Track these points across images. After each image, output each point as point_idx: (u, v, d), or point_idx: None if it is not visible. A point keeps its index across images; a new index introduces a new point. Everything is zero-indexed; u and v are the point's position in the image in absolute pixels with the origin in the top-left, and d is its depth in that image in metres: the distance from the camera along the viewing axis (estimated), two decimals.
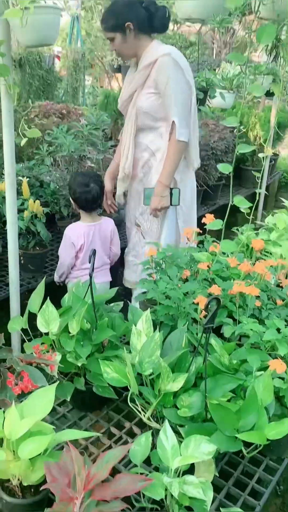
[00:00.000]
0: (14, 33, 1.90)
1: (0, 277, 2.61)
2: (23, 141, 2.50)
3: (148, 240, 2.44)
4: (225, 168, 1.47)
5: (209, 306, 1.31)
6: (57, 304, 1.74)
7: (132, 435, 1.62)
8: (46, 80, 5.29)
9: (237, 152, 1.46)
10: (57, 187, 2.97)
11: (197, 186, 3.87)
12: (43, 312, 1.61)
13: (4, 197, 2.49)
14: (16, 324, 1.79)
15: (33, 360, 1.39)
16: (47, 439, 1.15)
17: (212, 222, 1.56)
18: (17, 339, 2.27)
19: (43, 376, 1.36)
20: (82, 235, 2.27)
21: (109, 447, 1.54)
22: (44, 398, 1.26)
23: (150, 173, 2.40)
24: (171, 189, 2.33)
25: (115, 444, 1.56)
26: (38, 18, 1.81)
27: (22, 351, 2.01)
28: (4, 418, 1.22)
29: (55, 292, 2.47)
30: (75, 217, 3.11)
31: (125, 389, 1.70)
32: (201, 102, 3.22)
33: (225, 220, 1.50)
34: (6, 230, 2.14)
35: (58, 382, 1.34)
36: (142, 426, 1.64)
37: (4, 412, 1.28)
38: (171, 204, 2.35)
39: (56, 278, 2.44)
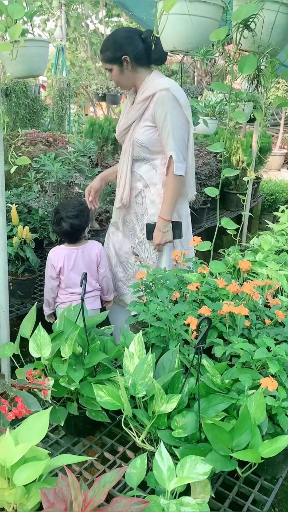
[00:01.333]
0: (3, 64, 1.96)
1: None
2: (13, 169, 2.54)
3: (150, 264, 2.44)
4: (212, 192, 1.51)
5: (200, 326, 1.33)
6: (47, 330, 1.74)
7: (126, 459, 1.61)
8: (32, 109, 5.38)
9: (223, 175, 1.51)
10: (46, 213, 3.00)
11: None
12: (35, 337, 1.61)
13: None
14: (7, 350, 1.78)
15: (26, 385, 1.39)
16: (43, 465, 1.15)
17: (201, 244, 1.60)
18: (7, 365, 2.25)
19: (37, 401, 1.35)
20: (63, 257, 2.29)
21: (103, 472, 1.53)
22: (38, 423, 1.25)
23: (144, 203, 2.40)
24: (173, 222, 2.33)
25: (109, 469, 1.54)
26: (27, 50, 1.87)
27: (13, 376, 2.00)
28: None
29: (45, 317, 2.48)
30: (64, 243, 3.13)
31: (119, 412, 1.70)
32: None
33: (213, 242, 1.54)
34: None
35: (51, 407, 1.33)
36: (136, 450, 1.64)
37: None
38: (174, 238, 2.35)
39: (46, 311, 2.42)
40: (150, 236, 2.37)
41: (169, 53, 2.02)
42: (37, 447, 1.21)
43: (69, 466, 1.32)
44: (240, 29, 1.29)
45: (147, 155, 2.32)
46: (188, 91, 5.43)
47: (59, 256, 2.30)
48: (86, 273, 1.64)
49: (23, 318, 2.66)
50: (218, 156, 4.62)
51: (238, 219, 4.96)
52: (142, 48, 2.19)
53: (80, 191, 3.25)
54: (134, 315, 2.09)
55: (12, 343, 1.81)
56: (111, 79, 2.37)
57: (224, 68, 11.08)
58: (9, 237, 2.49)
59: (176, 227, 2.34)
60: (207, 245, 1.52)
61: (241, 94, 4.07)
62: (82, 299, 1.59)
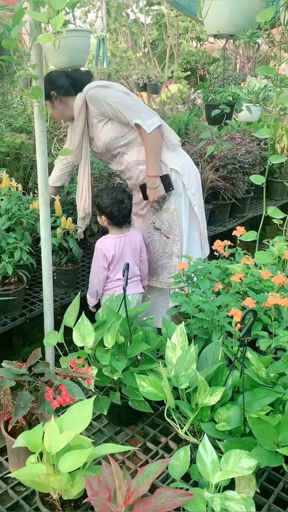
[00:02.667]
0: (46, 56, 1.97)
1: (34, 293, 2.65)
2: (57, 160, 2.56)
3: (172, 238, 2.52)
4: (258, 179, 1.46)
5: (245, 319, 1.30)
6: (89, 320, 1.76)
7: (168, 450, 1.60)
8: None
9: (270, 162, 1.45)
10: None
11: (225, 199, 3.90)
12: (78, 326, 1.63)
13: (37, 215, 2.56)
14: (51, 339, 1.82)
15: (71, 374, 1.40)
16: (87, 453, 1.16)
17: (246, 234, 1.55)
18: (51, 353, 2.29)
19: (81, 390, 1.36)
20: (113, 246, 2.31)
21: (146, 462, 1.53)
22: (82, 412, 1.26)
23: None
24: (161, 177, 2.40)
25: (151, 459, 1.55)
26: (69, 41, 1.87)
27: (56, 365, 2.04)
28: (44, 431, 1.23)
29: (87, 307, 2.50)
30: (105, 233, 3.15)
31: (161, 403, 1.70)
32: (227, 116, 3.22)
33: (258, 231, 1.49)
34: (40, 247, 2.19)
35: (95, 396, 1.34)
36: (179, 441, 1.63)
37: (43, 425, 1.30)
38: (166, 191, 2.42)
39: (91, 301, 2.43)
40: (145, 196, 2.47)
41: (210, 40, 2.03)
42: (81, 435, 1.22)
43: (112, 455, 1.33)
44: None
45: (123, 141, 2.44)
46: (230, 78, 5.31)
47: (110, 245, 2.31)
48: (128, 264, 1.63)
49: (67, 307, 2.71)
50: (261, 143, 4.49)
51: (282, 209, 4.82)
52: (67, 82, 2.37)
53: (121, 181, 3.25)
54: (176, 306, 2.08)
55: (56, 332, 1.84)
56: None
57: (268, 53, 10.75)
58: (53, 228, 2.52)
59: (164, 180, 2.41)
60: (252, 235, 1.48)
61: (286, 79, 3.93)
62: (124, 289, 1.59)
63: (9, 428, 1.38)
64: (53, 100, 2.40)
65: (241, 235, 2.15)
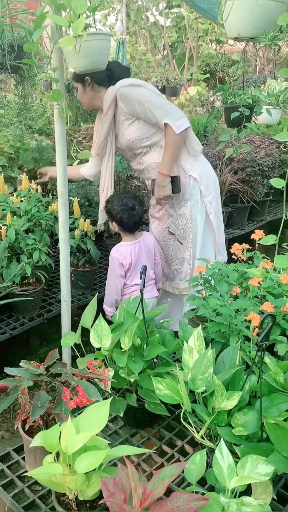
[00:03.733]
0: (66, 59, 1.99)
1: (52, 294, 2.67)
2: (76, 163, 2.58)
3: (185, 245, 2.52)
4: (278, 183, 1.45)
5: (263, 323, 1.29)
6: (106, 321, 1.76)
7: (184, 453, 1.60)
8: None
9: None
10: (107, 206, 3.04)
11: (243, 202, 3.87)
12: (96, 328, 1.63)
13: (56, 217, 2.58)
14: (69, 339, 1.83)
15: (88, 375, 1.41)
16: (103, 454, 1.16)
17: (265, 237, 1.54)
18: (68, 354, 2.31)
19: (97, 391, 1.37)
20: (129, 254, 2.28)
21: (162, 465, 1.53)
22: (99, 413, 1.27)
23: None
24: (172, 178, 2.40)
25: (167, 462, 1.54)
26: (90, 44, 1.88)
27: (73, 365, 2.05)
28: (61, 432, 1.24)
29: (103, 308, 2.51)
30: (119, 240, 3.16)
31: (177, 406, 1.70)
32: (246, 118, 3.21)
33: (278, 235, 1.48)
34: (58, 248, 2.20)
35: (112, 397, 1.35)
36: (195, 444, 1.62)
37: (60, 426, 1.30)
38: (173, 192, 2.42)
39: (108, 310, 2.40)
40: (152, 191, 2.48)
41: (229, 42, 2.01)
42: (97, 437, 1.22)
43: (128, 457, 1.33)
44: None
45: (148, 142, 2.44)
46: (249, 80, 5.27)
47: (126, 253, 2.29)
48: (146, 266, 1.63)
49: (84, 308, 2.72)
50: (281, 146, 4.45)
51: None
52: (105, 73, 2.36)
53: (139, 184, 3.26)
54: (193, 309, 2.07)
55: (74, 332, 1.85)
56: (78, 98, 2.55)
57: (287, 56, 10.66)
58: (71, 229, 2.54)
59: (174, 181, 2.41)
60: (271, 239, 1.46)
61: None
62: (141, 291, 1.60)
63: (27, 427, 1.40)
64: (86, 85, 2.39)
65: (260, 239, 2.14)
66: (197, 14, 6.77)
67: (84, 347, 1.81)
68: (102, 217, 2.65)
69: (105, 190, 2.57)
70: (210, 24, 7.57)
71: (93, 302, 1.77)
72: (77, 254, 2.66)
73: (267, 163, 3.82)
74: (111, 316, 2.43)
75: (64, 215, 2.15)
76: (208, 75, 8.51)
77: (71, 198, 2.68)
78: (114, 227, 2.35)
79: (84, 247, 2.61)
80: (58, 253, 2.61)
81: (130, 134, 2.44)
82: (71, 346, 1.92)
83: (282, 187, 1.49)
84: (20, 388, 1.36)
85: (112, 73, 2.40)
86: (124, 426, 1.71)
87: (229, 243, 3.82)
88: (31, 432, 1.43)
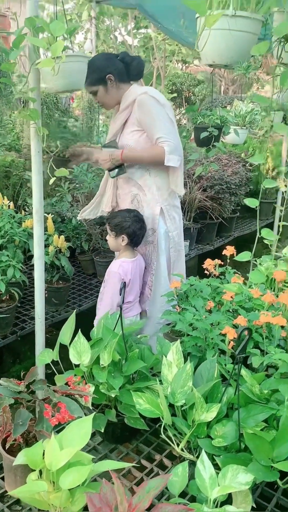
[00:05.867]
0: (43, 79, 2.02)
1: (24, 311, 2.66)
2: (52, 180, 2.60)
3: (148, 270, 2.50)
4: (252, 203, 1.53)
5: (241, 336, 1.34)
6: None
7: (163, 467, 1.62)
8: (62, 121, 5.48)
9: (263, 186, 1.52)
10: (79, 222, 3.06)
11: (212, 219, 3.98)
12: (75, 344, 1.65)
13: (29, 233, 2.59)
14: (46, 356, 1.83)
15: (69, 391, 1.42)
16: (87, 469, 1.17)
17: (241, 254, 1.61)
18: (42, 371, 2.30)
19: (79, 407, 1.38)
20: (130, 271, 2.30)
21: (141, 479, 1.55)
22: (81, 429, 1.28)
23: (140, 207, 2.47)
24: (122, 165, 2.41)
25: (146, 477, 1.56)
26: (67, 66, 1.92)
27: (48, 383, 2.04)
28: (44, 449, 1.24)
29: (79, 325, 2.52)
30: (95, 251, 3.19)
31: (155, 421, 1.72)
32: (215, 138, 3.33)
33: (253, 252, 1.55)
34: (31, 264, 2.20)
35: (93, 413, 1.36)
36: (173, 458, 1.65)
37: (42, 443, 1.31)
38: (109, 171, 2.44)
39: None
40: (106, 145, 2.46)
41: (194, 63, 2.10)
42: (81, 452, 1.23)
43: (105, 472, 1.35)
44: (282, 43, 1.31)
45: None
46: (216, 101, 5.46)
47: (127, 269, 2.30)
48: (125, 282, 1.67)
49: (57, 325, 2.71)
50: (247, 165, 4.61)
51: (268, 228, 4.93)
52: (122, 66, 2.37)
53: None
54: (168, 324, 2.12)
55: (51, 349, 1.85)
56: (97, 101, 2.51)
57: (252, 77, 11.07)
58: (45, 246, 2.55)
59: (118, 167, 2.42)
60: (246, 255, 1.53)
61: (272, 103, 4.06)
62: (120, 307, 1.63)
63: (7, 446, 1.39)
64: (108, 84, 2.36)
65: (232, 255, 2.22)
66: (164, 35, 6.97)
67: (57, 364, 1.80)
68: (90, 214, 2.65)
69: (107, 192, 2.58)
70: (176, 45, 7.79)
71: (72, 319, 1.79)
72: (51, 270, 2.66)
73: (235, 181, 3.95)
74: None
75: (40, 231, 2.16)
76: (175, 94, 8.72)
77: (45, 214, 2.69)
78: (119, 242, 2.33)
79: (58, 263, 2.62)
80: (31, 270, 2.60)
81: (128, 139, 2.42)
82: (46, 364, 1.92)
83: (256, 206, 1.57)
84: (2, 406, 1.35)
85: (128, 66, 2.39)
86: (103, 442, 1.72)
87: (199, 258, 3.92)
88: (11, 451, 1.42)
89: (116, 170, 2.43)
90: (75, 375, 1.59)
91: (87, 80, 2.34)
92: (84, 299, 2.91)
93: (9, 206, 2.77)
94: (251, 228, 4.64)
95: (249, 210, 4.90)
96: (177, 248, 2.58)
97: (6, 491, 1.46)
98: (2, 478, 1.51)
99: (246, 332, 1.33)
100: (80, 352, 1.63)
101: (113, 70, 2.34)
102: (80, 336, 1.67)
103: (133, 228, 2.30)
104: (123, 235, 2.32)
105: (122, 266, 2.32)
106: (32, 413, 1.42)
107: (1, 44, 2.57)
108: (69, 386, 1.49)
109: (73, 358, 1.63)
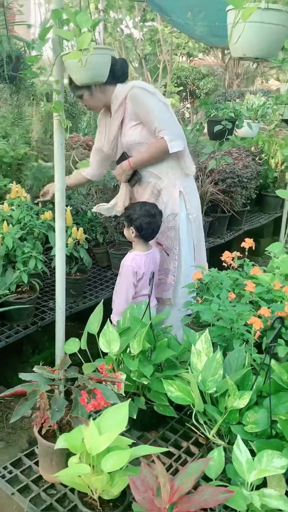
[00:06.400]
0: (69, 71, 2.04)
1: (43, 302, 2.68)
2: (74, 172, 2.62)
3: (171, 256, 2.56)
4: (283, 194, 1.55)
5: (273, 325, 1.37)
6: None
7: (190, 454, 1.65)
8: (71, 113, 5.48)
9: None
10: (94, 215, 3.08)
11: (223, 212, 4.00)
12: (104, 333, 1.67)
13: (49, 225, 2.61)
14: (72, 346, 1.85)
15: (103, 378, 1.45)
16: (128, 454, 1.20)
17: (272, 245, 1.63)
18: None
19: (114, 394, 1.41)
20: (143, 264, 2.32)
21: (170, 465, 1.58)
22: (118, 414, 1.31)
23: (161, 196, 2.52)
24: (136, 172, 2.49)
25: (175, 463, 1.59)
26: (93, 58, 1.94)
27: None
28: (83, 434, 1.27)
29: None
30: (110, 244, 3.21)
31: (180, 408, 1.75)
32: (229, 132, 3.34)
33: (284, 243, 1.57)
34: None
35: (129, 399, 1.39)
36: (199, 445, 1.68)
37: (76, 428, 1.33)
38: (127, 182, 2.53)
39: (116, 320, 2.42)
40: (118, 162, 2.54)
41: (199, 57, 2.13)
42: (120, 437, 1.26)
43: (136, 459, 1.38)
44: None
45: (145, 148, 2.45)
46: (224, 94, 5.46)
47: (140, 262, 2.32)
48: (153, 272, 1.70)
49: (75, 316, 2.74)
50: (256, 158, 4.63)
51: (275, 222, 4.96)
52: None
53: None
54: (189, 315, 2.15)
55: (77, 339, 1.88)
56: (84, 105, 2.57)
57: (256, 71, 11.05)
58: None
59: (134, 175, 2.50)
60: (278, 246, 1.56)
61: (281, 97, 4.07)
62: (149, 297, 1.65)
63: (43, 431, 1.42)
64: (93, 88, 2.39)
65: (250, 247, 2.25)
66: (171, 28, 6.95)
67: (79, 353, 1.82)
68: (106, 211, 2.69)
69: (123, 193, 2.60)
70: (183, 38, 7.78)
71: (99, 308, 1.81)
72: (69, 262, 2.69)
73: (246, 175, 3.97)
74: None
75: (61, 223, 2.17)
76: (181, 88, 8.72)
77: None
78: (130, 233, 2.36)
79: (77, 255, 2.64)
80: (50, 261, 2.62)
81: (131, 135, 2.46)
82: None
83: None
84: (39, 393, 1.38)
85: (113, 68, 2.33)
86: (130, 429, 1.75)
87: (210, 252, 3.94)
88: (46, 437, 1.45)
89: (132, 178, 2.51)
90: (106, 363, 1.62)
91: (72, 85, 2.41)
92: (100, 291, 2.94)
93: (26, 198, 2.79)
94: (260, 222, 4.67)
95: (257, 203, 4.92)
96: (199, 230, 2.64)
97: (41, 476, 1.49)
98: (35, 463, 1.55)
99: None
100: (110, 341, 1.66)
101: None
102: (109, 325, 1.70)
103: (141, 222, 2.31)
104: (132, 227, 2.36)
105: (135, 260, 2.35)
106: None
107: (20, 37, 2.57)
108: (101, 373, 1.52)
109: (103, 346, 1.66)
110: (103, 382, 1.48)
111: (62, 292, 2.25)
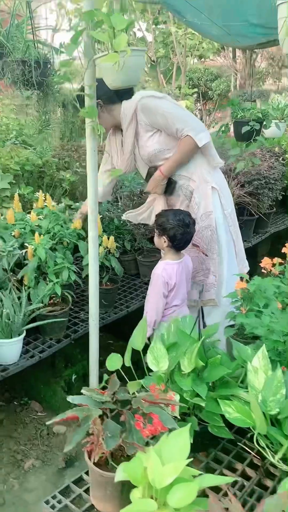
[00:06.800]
0: (102, 75, 1.96)
1: (74, 314, 2.60)
2: (108, 180, 2.53)
3: (210, 256, 2.50)
4: None
5: None
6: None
7: (246, 477, 1.55)
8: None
9: None
10: (122, 222, 3.00)
11: (249, 215, 3.89)
12: (152, 350, 1.58)
13: (79, 234, 2.53)
14: (115, 362, 1.76)
15: (158, 401, 1.35)
16: (196, 486, 1.10)
17: None
18: (96, 376, 2.24)
19: (171, 418, 1.31)
20: (175, 273, 2.24)
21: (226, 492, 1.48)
22: (179, 441, 1.21)
23: (193, 196, 2.48)
24: (169, 179, 2.44)
25: (232, 488, 1.49)
26: (127, 60, 1.86)
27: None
28: (144, 463, 1.18)
29: (121, 327, 2.45)
30: (138, 251, 3.12)
31: (231, 427, 1.65)
32: (256, 132, 3.24)
33: None
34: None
35: (190, 424, 1.29)
36: (255, 467, 1.58)
37: (131, 456, 1.24)
38: (165, 193, 2.48)
39: (149, 331, 2.29)
40: (147, 179, 2.51)
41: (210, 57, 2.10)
42: (187, 467, 1.17)
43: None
44: None
45: (170, 154, 2.42)
46: (245, 95, 5.36)
47: (172, 272, 2.24)
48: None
49: (107, 327, 2.65)
50: (280, 159, 4.51)
51: None
52: (109, 89, 2.28)
53: None
54: (231, 325, 2.04)
55: (119, 354, 1.78)
56: None
57: (267, 70, 10.95)
58: None
59: (170, 184, 2.46)
60: None
61: None
62: (201, 311, 1.56)
63: (96, 459, 1.33)
64: (98, 109, 2.27)
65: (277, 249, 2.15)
66: (185, 29, 6.87)
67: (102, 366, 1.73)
68: (133, 218, 2.66)
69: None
70: (197, 39, 7.69)
71: (143, 323, 1.72)
72: (100, 271, 2.60)
73: (273, 176, 3.86)
74: (149, 338, 2.36)
75: (95, 232, 2.10)
76: (196, 90, 8.64)
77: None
78: (162, 242, 2.27)
79: (108, 264, 2.56)
80: (80, 271, 2.54)
81: (150, 146, 2.42)
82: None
83: None
84: (91, 418, 1.29)
85: (116, 89, 2.34)
86: None
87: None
88: (99, 464, 1.36)
89: (169, 187, 2.46)
90: (157, 383, 1.52)
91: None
92: (131, 300, 2.85)
93: (53, 207, 2.71)
94: (285, 224, 4.55)
95: (282, 205, 4.80)
96: (234, 225, 2.61)
97: (93, 505, 1.40)
98: (85, 491, 1.45)
99: None
100: (158, 358, 1.56)
101: (101, 96, 2.27)
102: (157, 341, 1.60)
103: (175, 232, 2.22)
104: (164, 236, 2.26)
105: (165, 269, 2.26)
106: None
107: (45, 43, 2.50)
108: (152, 394, 1.42)
109: (151, 364, 1.57)
110: (157, 404, 1.38)
111: (96, 303, 2.17)
